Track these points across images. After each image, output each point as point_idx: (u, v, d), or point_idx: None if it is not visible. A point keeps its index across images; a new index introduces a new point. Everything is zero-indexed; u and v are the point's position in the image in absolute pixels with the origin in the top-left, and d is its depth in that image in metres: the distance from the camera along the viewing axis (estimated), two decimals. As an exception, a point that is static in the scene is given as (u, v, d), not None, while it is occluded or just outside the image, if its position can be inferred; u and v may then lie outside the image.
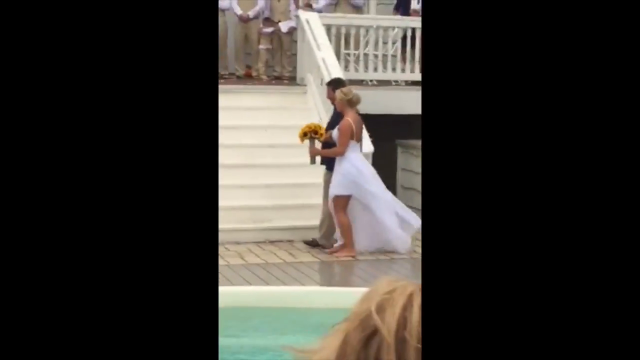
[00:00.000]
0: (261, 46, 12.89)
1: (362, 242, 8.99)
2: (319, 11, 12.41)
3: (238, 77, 12.81)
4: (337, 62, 11.10)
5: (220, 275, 8.06)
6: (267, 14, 12.94)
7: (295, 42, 12.35)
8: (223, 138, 9.94)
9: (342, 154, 8.92)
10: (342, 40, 12.02)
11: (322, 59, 10.96)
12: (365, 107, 9.81)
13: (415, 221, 8.94)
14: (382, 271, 8.10)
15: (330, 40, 11.52)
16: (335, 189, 8.89)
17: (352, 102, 8.99)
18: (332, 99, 9.41)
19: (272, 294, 7.49)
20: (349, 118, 8.93)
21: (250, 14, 12.85)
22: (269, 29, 12.82)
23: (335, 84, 9.54)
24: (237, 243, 9.25)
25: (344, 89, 9.21)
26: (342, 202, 8.90)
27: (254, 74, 12.88)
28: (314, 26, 11.41)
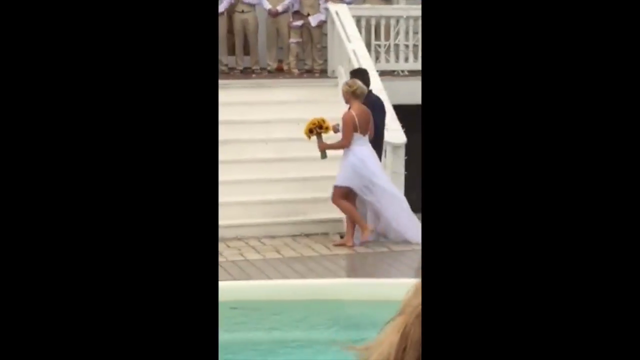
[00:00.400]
0: (291, 40, 12.91)
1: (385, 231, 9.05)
2: (348, 3, 12.40)
3: (269, 71, 12.84)
4: (367, 53, 11.09)
5: (256, 269, 8.09)
6: (296, 7, 12.95)
7: (325, 34, 12.34)
8: (255, 133, 9.99)
9: (347, 146, 8.92)
10: (372, 31, 12.00)
11: (353, 50, 10.95)
12: (398, 98, 9.79)
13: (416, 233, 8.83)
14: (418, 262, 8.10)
15: (360, 31, 11.51)
16: (337, 180, 8.95)
17: (357, 94, 8.97)
18: None
19: (309, 287, 7.50)
20: (353, 110, 8.92)
21: (280, 8, 12.87)
22: (299, 23, 12.83)
23: (355, 75, 9.58)
24: (273, 237, 9.28)
25: (349, 81, 9.25)
26: (340, 192, 8.95)
27: (285, 67, 12.90)
28: (343, 18, 11.40)
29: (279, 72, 12.76)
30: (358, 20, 11.69)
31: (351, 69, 10.18)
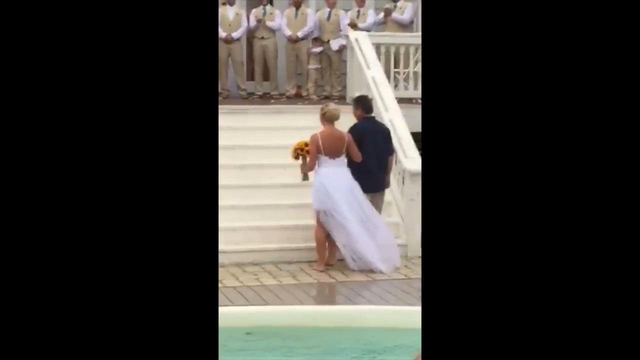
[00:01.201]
0: (310, 66, 12.95)
1: (347, 258, 9.03)
2: (368, 30, 12.44)
3: (288, 97, 12.88)
4: (386, 80, 11.11)
5: (272, 295, 8.07)
6: (316, 34, 13.00)
7: (345, 61, 12.37)
8: (275, 158, 10.01)
9: (310, 168, 9.10)
10: (391, 58, 12.02)
11: (372, 77, 10.97)
12: (416, 125, 9.79)
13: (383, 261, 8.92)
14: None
15: (379, 58, 11.54)
16: (313, 202, 9.06)
17: (326, 117, 9.12)
18: (356, 116, 9.56)
19: (325, 313, 7.47)
20: (319, 132, 9.05)
21: (300, 34, 12.92)
22: (318, 49, 12.88)
23: (357, 101, 9.75)
24: (289, 262, 9.27)
25: (323, 105, 9.46)
26: (317, 215, 9.04)
27: (304, 93, 12.93)
28: (363, 45, 11.43)
29: (298, 98, 12.80)
30: (377, 47, 11.72)
31: (354, 96, 10.30)
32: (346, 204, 8.98)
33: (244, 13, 13.02)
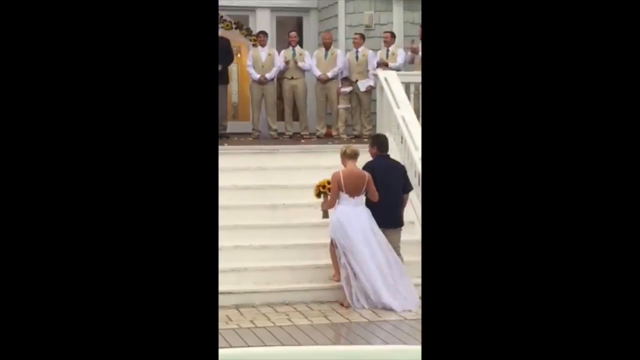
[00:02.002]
0: (340, 106, 13.00)
1: (356, 296, 9.09)
2: (398, 69, 12.48)
3: (318, 137, 12.92)
4: (416, 119, 11.11)
5: (304, 335, 8.04)
6: (345, 73, 13.07)
7: (374, 100, 12.41)
8: (305, 198, 10.02)
9: (331, 205, 9.33)
10: (420, 97, 12.03)
11: (402, 116, 10.99)
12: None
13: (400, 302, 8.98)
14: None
15: (409, 97, 11.55)
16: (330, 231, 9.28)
17: (346, 155, 9.40)
18: (371, 154, 9.79)
19: (357, 353, 7.42)
20: (341, 171, 9.28)
21: (329, 74, 12.99)
22: (348, 89, 12.93)
23: (374, 139, 10.06)
24: (321, 302, 9.24)
25: (344, 145, 9.85)
26: (332, 247, 9.27)
27: (334, 133, 12.97)
28: (392, 84, 11.46)
29: (327, 137, 12.83)
30: (407, 86, 11.74)
31: (372, 134, 10.70)
32: (363, 241, 9.09)
33: (276, 53, 13.13)
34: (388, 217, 9.37)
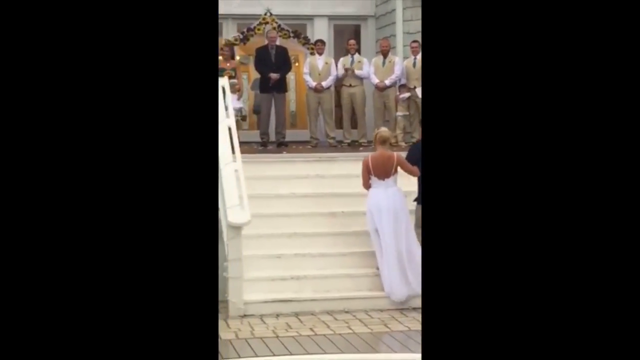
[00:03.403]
0: (398, 113, 12.98)
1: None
2: (456, 76, 12.41)
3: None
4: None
5: (363, 343, 8.02)
6: (403, 80, 13.04)
7: (433, 107, 12.35)
8: (363, 205, 10.00)
9: (364, 188, 9.65)
10: (479, 103, 11.95)
11: (460, 123, 10.93)
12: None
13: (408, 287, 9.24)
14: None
15: (467, 104, 11.47)
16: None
17: (376, 140, 9.74)
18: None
19: (417, 361, 7.39)
20: (370, 155, 9.67)
21: (387, 82, 12.98)
22: (406, 95, 12.90)
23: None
24: (381, 310, 9.21)
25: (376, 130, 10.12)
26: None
27: (392, 140, 12.94)
28: (450, 91, 11.40)
29: (386, 144, 12.80)
30: (465, 92, 11.67)
31: None
32: (390, 226, 9.42)
33: (332, 62, 13.16)
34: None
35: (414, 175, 9.60)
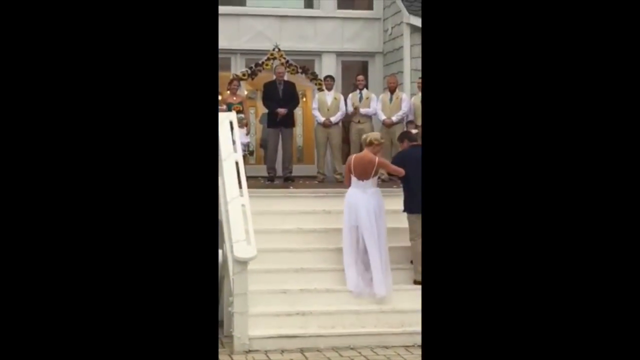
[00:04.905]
0: (405, 149, 12.98)
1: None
2: (463, 113, 12.43)
3: (383, 180, 12.91)
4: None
5: (369, 380, 7.97)
6: (410, 117, 13.07)
7: (440, 144, 12.36)
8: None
9: (346, 185, 10.04)
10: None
11: (467, 160, 10.93)
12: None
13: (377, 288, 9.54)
14: None
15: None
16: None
17: (365, 143, 10.08)
18: (402, 149, 10.43)
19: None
20: (353, 156, 10.11)
21: (394, 118, 13.01)
22: (413, 132, 12.91)
23: (400, 137, 10.65)
24: (386, 347, 9.17)
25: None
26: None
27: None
28: (458, 128, 11.42)
29: (392, 181, 12.80)
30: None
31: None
32: (367, 224, 9.68)
33: (341, 98, 13.21)
34: (412, 203, 9.78)
35: (399, 175, 9.99)
